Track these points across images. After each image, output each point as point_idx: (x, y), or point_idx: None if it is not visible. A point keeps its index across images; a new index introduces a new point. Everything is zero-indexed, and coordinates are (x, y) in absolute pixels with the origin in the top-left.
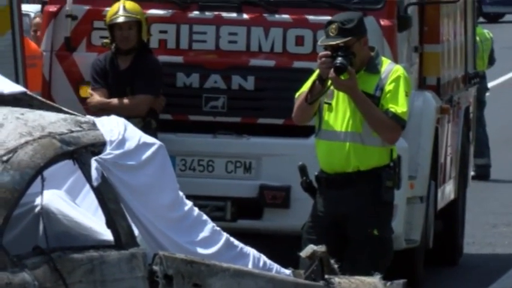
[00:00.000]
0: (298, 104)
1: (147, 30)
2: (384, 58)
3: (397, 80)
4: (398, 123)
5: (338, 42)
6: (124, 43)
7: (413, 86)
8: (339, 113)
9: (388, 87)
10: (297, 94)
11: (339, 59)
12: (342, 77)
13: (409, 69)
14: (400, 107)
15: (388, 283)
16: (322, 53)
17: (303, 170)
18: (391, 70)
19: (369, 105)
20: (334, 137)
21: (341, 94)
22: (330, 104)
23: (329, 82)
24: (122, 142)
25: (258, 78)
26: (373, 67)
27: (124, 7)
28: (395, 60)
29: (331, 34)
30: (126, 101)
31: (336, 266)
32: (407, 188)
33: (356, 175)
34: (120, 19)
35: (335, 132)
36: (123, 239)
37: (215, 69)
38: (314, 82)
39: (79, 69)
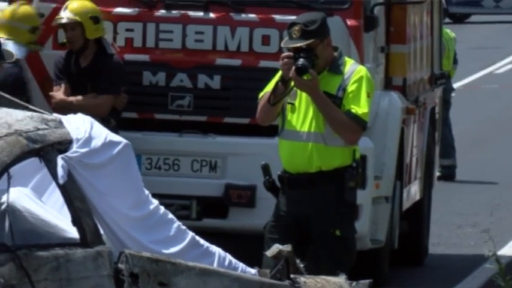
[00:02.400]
0: (261, 104)
1: (102, 28)
2: (347, 58)
3: (359, 80)
4: (359, 124)
5: (301, 44)
6: (70, 43)
7: (379, 87)
8: (302, 113)
9: (350, 87)
10: (260, 95)
11: (301, 60)
12: (305, 77)
13: (375, 69)
14: (361, 108)
15: (354, 283)
16: (284, 54)
17: (265, 169)
18: (354, 71)
19: (330, 106)
20: (296, 137)
21: (304, 94)
22: (293, 104)
23: (292, 83)
24: (88, 140)
25: (224, 77)
26: (336, 68)
27: (66, 7)
28: (362, 60)
29: (294, 36)
30: (88, 101)
31: (301, 265)
32: (372, 188)
33: (318, 175)
34: (62, 20)
35: (298, 133)
36: (89, 237)
37: (181, 68)
38: (277, 83)
39: (45, 67)
